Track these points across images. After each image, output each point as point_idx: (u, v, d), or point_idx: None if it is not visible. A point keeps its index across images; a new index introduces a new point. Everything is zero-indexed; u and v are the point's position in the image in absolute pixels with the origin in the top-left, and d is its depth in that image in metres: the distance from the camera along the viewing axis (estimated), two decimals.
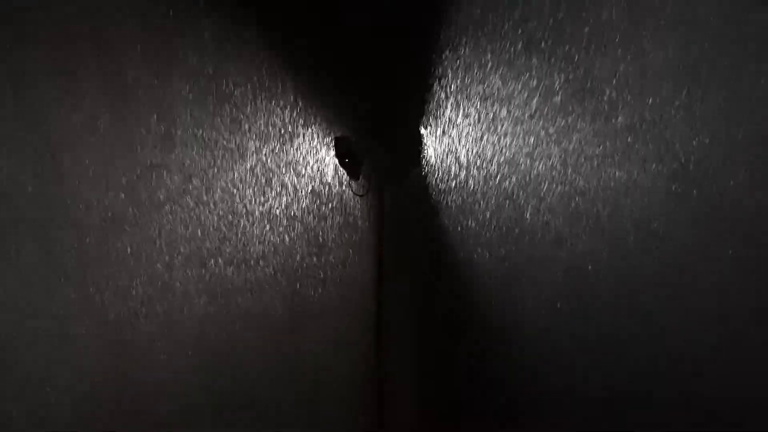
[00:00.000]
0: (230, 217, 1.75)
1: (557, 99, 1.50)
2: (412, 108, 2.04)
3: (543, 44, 1.53)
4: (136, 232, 1.53)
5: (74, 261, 1.40)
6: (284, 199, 1.92)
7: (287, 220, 1.92)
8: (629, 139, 1.31)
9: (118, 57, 1.50)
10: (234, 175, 1.77)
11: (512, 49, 1.63)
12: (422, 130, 2.05)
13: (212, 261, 1.70)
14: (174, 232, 1.62)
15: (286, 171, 1.92)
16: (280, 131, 1.90)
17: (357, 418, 2.15)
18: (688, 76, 1.19)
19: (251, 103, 1.82)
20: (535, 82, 1.57)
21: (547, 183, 1.55)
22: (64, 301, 1.39)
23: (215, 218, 1.71)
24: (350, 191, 2.10)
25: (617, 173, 1.34)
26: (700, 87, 1.17)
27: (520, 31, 1.61)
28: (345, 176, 2.10)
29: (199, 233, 1.67)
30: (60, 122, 1.39)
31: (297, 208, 1.96)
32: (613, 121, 1.35)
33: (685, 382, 1.22)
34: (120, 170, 1.50)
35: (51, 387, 1.37)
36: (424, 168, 2.04)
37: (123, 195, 1.50)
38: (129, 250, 1.51)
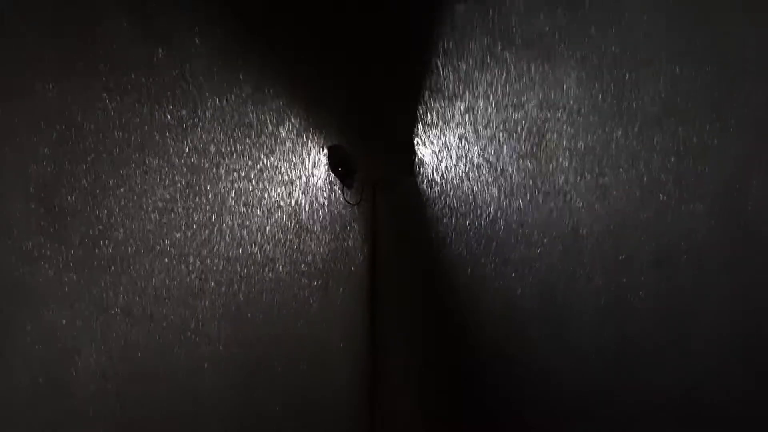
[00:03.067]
0: (222, 221, 1.72)
1: (554, 107, 1.51)
2: (406, 116, 2.04)
3: (540, 52, 1.54)
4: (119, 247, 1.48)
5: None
6: (278, 206, 1.90)
7: (280, 227, 1.91)
8: (635, 145, 1.33)
9: (113, 54, 1.43)
10: (225, 182, 1.74)
11: (508, 58, 1.64)
12: (415, 138, 2.05)
13: (202, 264, 1.67)
14: (164, 239, 1.59)
15: (278, 179, 1.90)
16: (272, 140, 1.88)
17: (352, 422, 2.15)
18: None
19: (243, 110, 1.79)
20: (531, 91, 1.58)
21: (541, 188, 1.57)
22: None
23: (206, 224, 1.68)
24: (344, 199, 2.09)
25: (615, 182, 1.37)
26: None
27: (517, 42, 1.62)
28: (338, 185, 2.08)
29: (188, 238, 1.64)
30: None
31: (291, 216, 1.95)
32: (613, 130, 1.37)
33: (687, 386, 1.24)
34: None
35: None
36: (418, 175, 2.04)
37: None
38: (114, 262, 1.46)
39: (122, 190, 1.34)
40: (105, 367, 1.26)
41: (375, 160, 2.14)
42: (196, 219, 1.61)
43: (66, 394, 1.18)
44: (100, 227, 1.29)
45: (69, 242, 1.20)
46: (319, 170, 2.03)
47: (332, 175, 2.07)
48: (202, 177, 1.63)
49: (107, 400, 1.27)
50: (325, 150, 2.04)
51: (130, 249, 1.36)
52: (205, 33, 1.64)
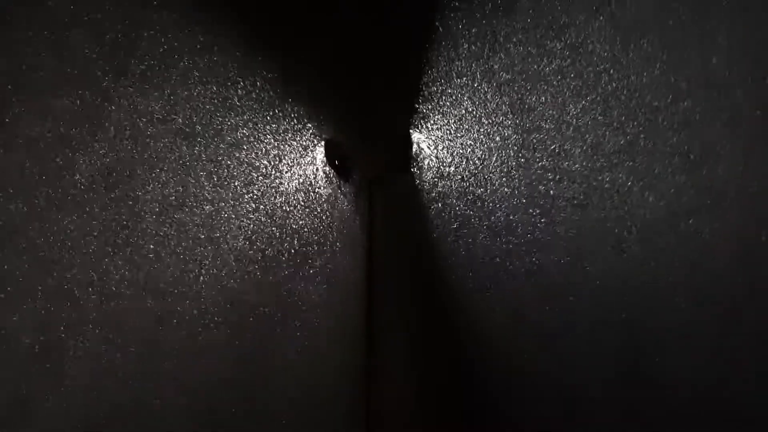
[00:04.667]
0: (213, 216, 1.71)
1: (556, 103, 1.50)
2: (404, 111, 2.04)
3: (541, 46, 1.53)
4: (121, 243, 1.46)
5: None
6: (273, 200, 1.89)
7: (274, 222, 1.90)
8: (640, 143, 1.32)
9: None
10: (218, 175, 1.73)
11: (510, 51, 1.63)
12: (413, 133, 2.04)
13: (191, 263, 1.66)
14: (151, 240, 1.58)
15: (273, 172, 1.89)
16: (267, 132, 1.88)
17: (350, 422, 2.13)
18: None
19: (237, 104, 1.79)
20: (531, 86, 1.57)
21: (541, 185, 1.55)
22: None
23: (196, 219, 1.67)
24: (341, 194, 2.09)
25: (617, 179, 1.34)
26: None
27: (518, 33, 1.61)
28: (335, 179, 2.09)
29: (178, 234, 1.63)
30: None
31: (285, 210, 1.94)
32: (616, 125, 1.35)
33: (684, 387, 1.22)
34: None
35: None
36: (416, 170, 2.04)
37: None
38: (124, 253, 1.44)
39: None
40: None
41: (372, 154, 2.14)
42: (195, 210, 1.61)
43: None
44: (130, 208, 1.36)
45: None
46: (315, 164, 2.03)
47: (329, 169, 2.06)
48: (193, 168, 1.63)
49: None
50: (322, 144, 2.03)
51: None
52: (208, 31, 1.65)
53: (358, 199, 2.16)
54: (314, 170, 2.03)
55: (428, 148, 1.97)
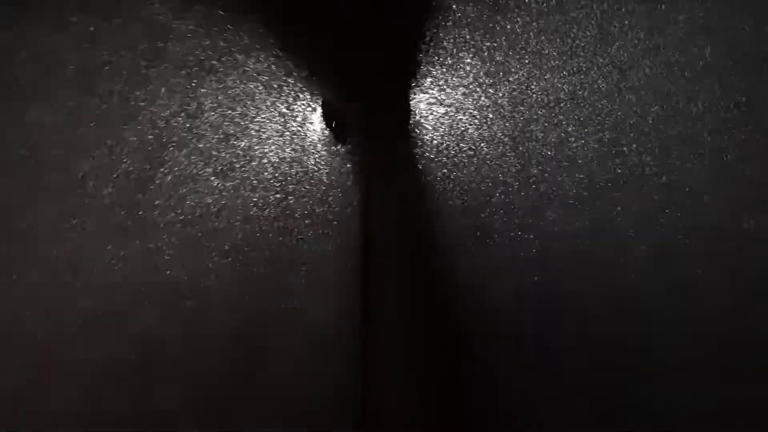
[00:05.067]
0: (197, 194, 1.62)
1: (568, 64, 1.47)
2: (404, 74, 1.93)
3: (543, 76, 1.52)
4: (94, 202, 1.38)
5: None
6: (265, 174, 1.84)
7: (264, 197, 1.84)
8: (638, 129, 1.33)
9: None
10: (208, 139, 1.64)
11: (511, 77, 1.60)
12: (411, 96, 1.96)
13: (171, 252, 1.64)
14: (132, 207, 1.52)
15: (267, 139, 1.83)
16: (260, 96, 1.81)
17: (346, 421, 2.12)
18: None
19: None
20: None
21: (548, 164, 1.52)
22: None
23: (180, 195, 1.57)
24: (339, 157, 2.01)
25: (608, 212, 1.37)
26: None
27: (519, 63, 1.57)
28: (333, 142, 2.01)
29: (182, 238, 1.57)
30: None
31: (277, 183, 1.88)
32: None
33: (681, 389, 1.24)
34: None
35: None
36: (414, 141, 1.95)
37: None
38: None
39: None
40: None
41: (371, 119, 2.05)
42: (200, 217, 1.60)
43: None
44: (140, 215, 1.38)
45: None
46: (313, 126, 1.98)
47: (327, 132, 2.00)
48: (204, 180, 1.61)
49: None
50: (319, 106, 1.98)
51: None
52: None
53: (356, 196, 2.12)
54: (311, 134, 1.96)
55: (431, 112, 1.87)
